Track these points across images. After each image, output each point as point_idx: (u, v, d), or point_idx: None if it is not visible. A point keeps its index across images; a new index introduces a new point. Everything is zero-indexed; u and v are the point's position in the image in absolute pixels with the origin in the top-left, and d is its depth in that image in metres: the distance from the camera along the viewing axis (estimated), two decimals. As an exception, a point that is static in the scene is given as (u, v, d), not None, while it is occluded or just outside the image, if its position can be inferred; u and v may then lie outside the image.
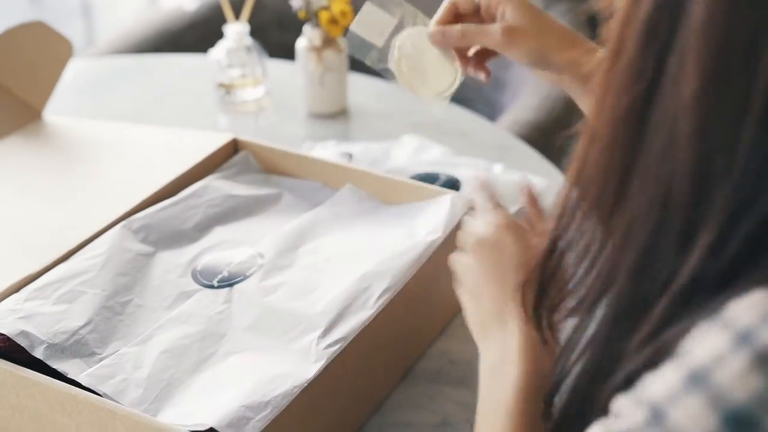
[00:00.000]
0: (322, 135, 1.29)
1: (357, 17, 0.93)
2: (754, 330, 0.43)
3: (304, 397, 0.71)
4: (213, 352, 0.77)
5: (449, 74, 0.92)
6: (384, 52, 0.92)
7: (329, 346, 0.75)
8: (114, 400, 0.71)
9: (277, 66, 1.48)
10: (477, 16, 0.88)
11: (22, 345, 0.74)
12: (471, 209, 0.84)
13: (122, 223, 0.88)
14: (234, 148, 1.03)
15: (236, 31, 1.36)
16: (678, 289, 0.48)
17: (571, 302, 0.57)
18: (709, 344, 0.44)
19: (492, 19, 0.87)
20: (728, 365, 0.43)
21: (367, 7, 0.93)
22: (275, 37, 1.76)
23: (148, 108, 1.40)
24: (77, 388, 0.71)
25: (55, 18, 2.99)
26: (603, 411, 0.49)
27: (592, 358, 0.54)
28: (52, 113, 1.14)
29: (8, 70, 1.10)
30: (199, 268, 0.85)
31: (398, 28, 0.92)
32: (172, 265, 0.86)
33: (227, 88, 1.38)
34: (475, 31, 0.87)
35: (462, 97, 1.08)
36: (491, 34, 0.86)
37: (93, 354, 0.76)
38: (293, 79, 1.38)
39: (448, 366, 0.89)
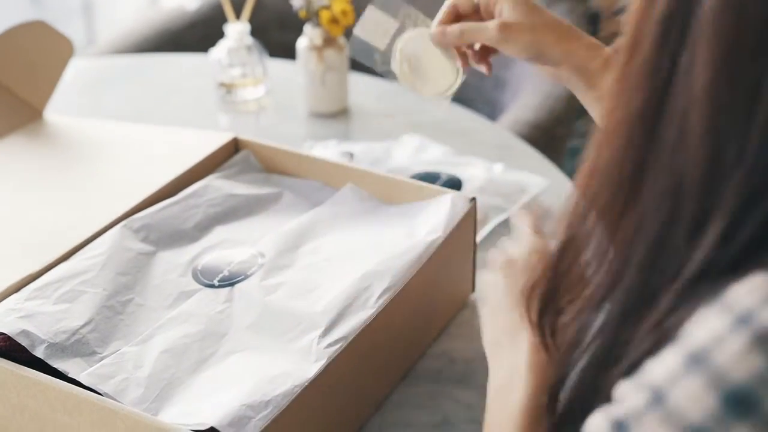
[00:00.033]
0: (322, 134, 1.29)
1: (360, 22, 0.95)
2: (755, 312, 0.44)
3: (305, 397, 0.71)
4: (214, 351, 0.77)
5: (450, 74, 0.94)
6: (387, 54, 0.94)
7: (330, 345, 0.75)
8: (115, 400, 0.71)
9: (277, 65, 1.48)
10: (477, 15, 0.90)
11: (22, 344, 0.74)
12: (511, 232, 0.84)
13: (123, 222, 0.88)
14: (235, 147, 1.03)
15: (237, 31, 1.36)
16: (687, 279, 0.48)
17: (579, 302, 0.57)
18: (709, 326, 0.45)
19: (491, 17, 0.89)
20: (728, 346, 0.44)
21: (369, 11, 0.95)
22: (276, 36, 1.76)
23: (149, 107, 1.40)
24: (78, 388, 0.72)
25: (56, 17, 2.99)
26: (606, 400, 0.49)
27: (599, 350, 0.54)
28: (53, 113, 1.14)
29: (9, 69, 1.10)
30: (199, 268, 0.85)
31: (400, 31, 0.94)
32: (172, 264, 0.86)
33: (228, 88, 1.38)
34: (473, 29, 0.89)
35: (463, 97, 1.08)
36: (488, 31, 0.88)
37: (94, 353, 0.76)
38: (294, 79, 1.38)
39: (449, 365, 0.89)
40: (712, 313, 0.45)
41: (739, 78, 0.46)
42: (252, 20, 1.39)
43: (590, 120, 0.95)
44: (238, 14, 1.39)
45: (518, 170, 1.17)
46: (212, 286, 0.83)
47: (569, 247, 0.57)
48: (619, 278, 0.52)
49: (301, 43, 1.33)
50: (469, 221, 0.91)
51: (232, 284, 0.83)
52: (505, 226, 1.08)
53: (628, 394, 0.48)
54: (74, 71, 1.43)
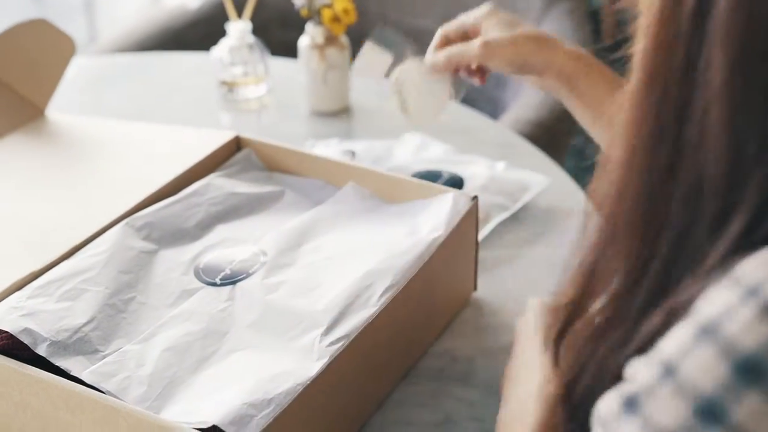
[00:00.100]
0: (324, 133, 1.29)
1: (356, 60, 1.04)
2: (763, 284, 0.45)
3: (307, 395, 0.71)
4: (215, 349, 0.77)
5: (444, 100, 1.02)
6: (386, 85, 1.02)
7: (332, 344, 0.75)
8: (117, 398, 0.71)
9: (279, 64, 1.48)
10: (467, 40, 0.98)
11: (25, 342, 0.74)
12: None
13: (125, 220, 0.88)
14: (236, 145, 1.03)
15: (239, 29, 1.36)
16: (706, 270, 0.49)
17: (600, 301, 0.58)
18: (719, 300, 0.46)
19: None
20: (738, 317, 0.44)
21: (366, 46, 1.03)
22: (278, 35, 1.76)
23: (151, 106, 1.40)
24: (80, 386, 0.72)
25: (58, 15, 2.99)
26: (618, 381, 0.50)
27: (616, 338, 0.55)
28: (55, 111, 1.14)
29: (11, 67, 1.10)
30: (201, 266, 0.85)
31: (396, 63, 1.03)
32: (174, 262, 0.86)
33: (230, 86, 1.38)
34: (458, 52, 0.97)
35: (464, 95, 1.09)
36: (472, 50, 0.96)
37: (96, 351, 0.76)
38: (296, 77, 1.38)
39: (451, 364, 0.89)
40: (722, 287, 0.46)
41: (753, 78, 0.47)
42: (253, 19, 1.39)
43: None
44: (239, 13, 1.39)
45: (520, 168, 1.17)
46: (214, 284, 0.83)
47: (595, 268, 0.57)
48: (642, 274, 0.53)
49: (303, 42, 1.33)
50: (470, 220, 0.91)
51: (233, 283, 0.83)
52: (506, 225, 1.09)
53: (639, 371, 0.48)
54: (76, 69, 1.43)
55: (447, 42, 0.99)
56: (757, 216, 0.48)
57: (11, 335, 0.74)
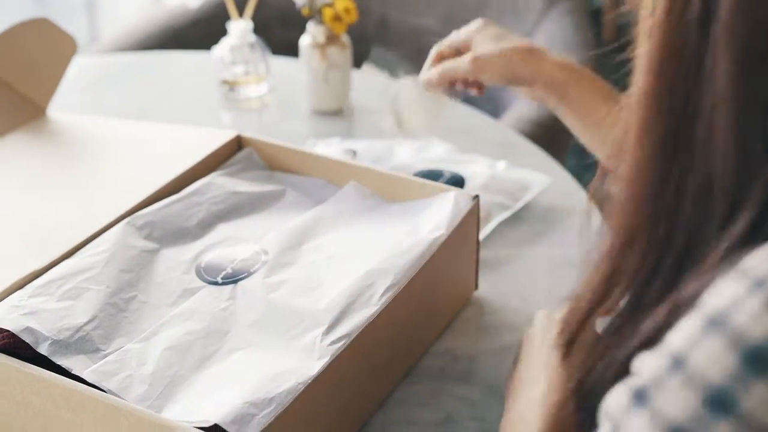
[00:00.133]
0: (325, 132, 1.29)
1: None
2: None
3: (308, 394, 0.71)
4: (217, 348, 0.77)
5: (435, 114, 1.08)
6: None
7: (333, 343, 0.75)
8: (118, 397, 0.71)
9: (280, 63, 1.48)
10: (460, 56, 1.02)
11: (26, 341, 0.74)
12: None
13: (126, 219, 0.88)
14: (237, 145, 1.03)
15: (240, 28, 1.36)
16: (710, 265, 0.50)
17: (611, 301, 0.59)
18: (726, 292, 0.46)
19: None
20: (745, 308, 0.45)
21: (363, 70, 1.10)
22: (279, 34, 1.76)
23: (152, 105, 1.40)
24: (82, 384, 0.72)
25: (59, 15, 2.99)
26: (626, 375, 0.51)
27: (624, 336, 0.55)
28: (56, 110, 1.14)
29: (12, 67, 1.10)
30: (203, 265, 0.85)
31: (392, 82, 1.08)
32: (175, 261, 0.86)
33: (231, 85, 1.38)
34: (450, 68, 1.01)
35: (465, 96, 1.09)
36: (463, 65, 1.00)
37: (97, 350, 0.76)
38: (297, 76, 1.38)
39: (452, 363, 0.89)
40: (729, 280, 0.47)
41: (757, 81, 0.48)
42: (255, 18, 1.39)
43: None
44: (240, 12, 1.39)
45: (521, 168, 1.17)
46: (215, 283, 0.83)
47: (612, 271, 0.58)
48: (655, 273, 0.54)
49: (304, 41, 1.33)
50: (472, 219, 0.91)
51: (235, 282, 0.83)
52: (507, 224, 1.09)
53: (646, 364, 0.49)
54: (77, 69, 1.43)
55: (441, 59, 1.04)
56: (762, 213, 0.48)
57: (13, 334, 0.74)
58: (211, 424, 0.68)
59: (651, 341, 0.50)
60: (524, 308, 0.95)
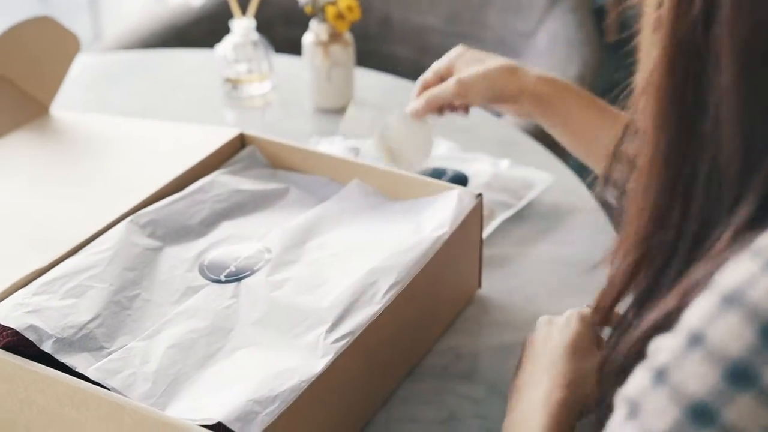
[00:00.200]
0: (328, 130, 1.29)
1: (342, 123, 1.11)
2: None
3: (312, 392, 0.72)
4: (220, 346, 0.77)
5: (428, 144, 1.08)
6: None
7: (336, 341, 0.75)
8: (122, 394, 0.71)
9: (283, 61, 1.48)
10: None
11: (30, 339, 0.74)
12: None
13: (129, 218, 0.88)
14: (241, 143, 1.03)
15: (243, 26, 1.36)
16: (717, 251, 0.51)
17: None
18: (740, 271, 0.47)
19: None
20: (761, 284, 0.46)
21: (349, 110, 1.11)
22: (281, 32, 1.76)
23: (155, 103, 1.40)
24: (85, 382, 0.72)
25: (62, 13, 2.99)
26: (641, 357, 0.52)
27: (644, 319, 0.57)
28: (59, 108, 1.14)
29: (15, 65, 1.10)
30: (206, 263, 0.85)
31: (379, 118, 1.09)
32: (179, 259, 0.86)
33: (234, 83, 1.38)
34: (435, 94, 1.03)
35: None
36: (448, 90, 1.02)
37: (101, 348, 0.76)
38: (300, 74, 1.38)
39: (455, 361, 0.89)
40: (742, 260, 0.48)
41: (758, 78, 0.50)
42: (257, 16, 1.39)
43: None
44: (243, 10, 1.39)
45: (524, 166, 1.17)
46: (219, 281, 0.83)
47: (642, 261, 0.59)
48: (672, 256, 0.55)
49: (307, 39, 1.33)
50: (475, 217, 0.91)
51: (238, 280, 0.83)
52: (511, 222, 1.09)
53: (664, 345, 0.49)
54: (80, 67, 1.43)
55: (426, 88, 1.05)
56: (764, 203, 0.50)
57: (17, 332, 0.74)
58: (214, 421, 0.68)
59: (665, 324, 0.51)
60: (527, 306, 0.95)
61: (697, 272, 0.51)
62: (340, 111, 1.35)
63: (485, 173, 1.14)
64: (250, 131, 1.04)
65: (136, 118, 1.11)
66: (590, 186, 1.05)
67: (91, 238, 0.86)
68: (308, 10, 1.31)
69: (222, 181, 0.95)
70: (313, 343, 0.76)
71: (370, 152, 1.11)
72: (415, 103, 1.05)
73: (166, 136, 1.05)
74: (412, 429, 0.82)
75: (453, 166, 1.14)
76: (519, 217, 1.09)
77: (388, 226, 0.90)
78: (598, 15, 1.89)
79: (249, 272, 0.84)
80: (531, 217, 1.10)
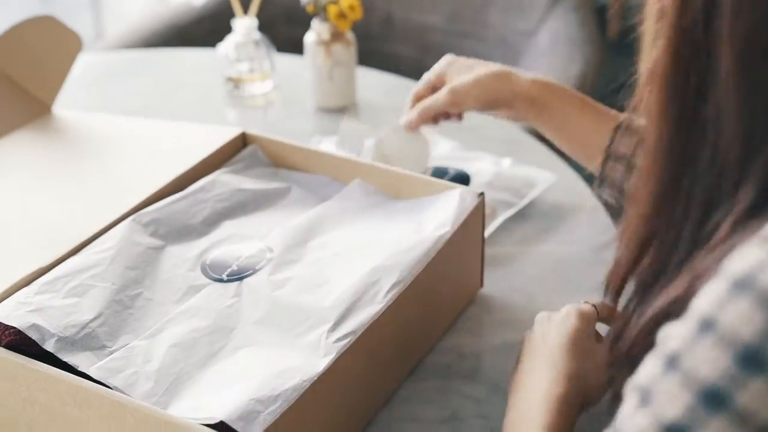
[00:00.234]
0: (330, 129, 1.29)
1: (337, 138, 1.12)
2: None
3: (314, 391, 0.72)
4: (222, 345, 0.77)
5: (424, 154, 1.07)
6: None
7: (338, 340, 0.75)
8: (124, 393, 0.72)
9: (285, 60, 1.48)
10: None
11: (32, 338, 0.74)
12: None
13: (131, 217, 0.88)
14: (242, 142, 1.03)
15: (244, 26, 1.36)
16: (721, 238, 0.52)
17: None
18: (750, 257, 0.47)
19: None
20: None
21: (343, 124, 1.12)
22: (283, 31, 1.76)
23: (157, 102, 1.40)
24: (88, 381, 0.72)
25: (64, 12, 2.99)
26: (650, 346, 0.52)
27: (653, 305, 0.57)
28: (62, 107, 1.14)
29: (18, 64, 1.10)
30: (208, 262, 0.85)
31: (373, 131, 1.08)
32: (181, 258, 0.86)
33: (235, 83, 1.38)
34: (428, 105, 1.03)
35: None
36: (440, 100, 1.02)
37: (103, 347, 0.76)
38: (301, 74, 1.38)
39: (458, 360, 0.89)
40: (751, 246, 0.48)
41: (757, 71, 0.50)
42: (259, 15, 1.39)
43: None
44: (245, 9, 1.39)
45: (526, 165, 1.17)
46: (221, 280, 0.83)
47: (649, 243, 0.60)
48: (677, 240, 0.56)
49: (309, 38, 1.33)
50: (477, 216, 0.91)
51: (240, 279, 0.83)
52: (513, 221, 1.08)
53: (674, 332, 0.50)
54: (82, 66, 1.43)
55: (418, 99, 1.06)
56: (763, 191, 0.51)
57: (19, 331, 0.74)
58: (217, 420, 0.68)
59: (672, 312, 0.51)
60: (530, 305, 0.95)
61: (703, 260, 0.51)
62: (341, 110, 1.35)
63: (487, 172, 1.14)
64: (252, 130, 1.04)
65: (138, 117, 1.11)
66: (588, 183, 1.05)
67: (94, 237, 0.86)
68: (310, 9, 1.31)
69: (224, 180, 0.95)
70: (315, 342, 0.76)
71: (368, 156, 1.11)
72: (409, 115, 1.05)
73: (168, 135, 1.05)
74: (414, 428, 0.82)
75: (455, 165, 1.14)
76: (521, 216, 1.09)
77: (390, 226, 0.90)
78: (600, 13, 1.89)
79: (251, 271, 0.84)
80: (533, 216, 1.10)
